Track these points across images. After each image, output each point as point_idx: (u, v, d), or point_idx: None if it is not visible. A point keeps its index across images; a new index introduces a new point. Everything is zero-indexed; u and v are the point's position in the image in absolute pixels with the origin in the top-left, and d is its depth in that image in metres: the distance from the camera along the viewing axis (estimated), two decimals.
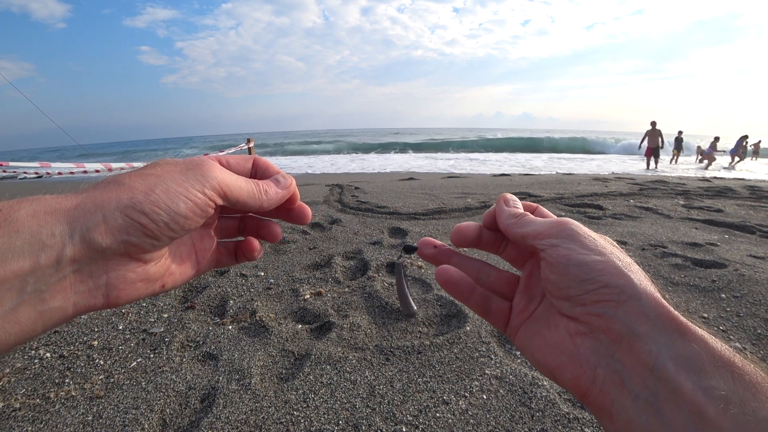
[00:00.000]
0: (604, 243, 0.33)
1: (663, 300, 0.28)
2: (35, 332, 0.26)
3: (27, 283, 0.25)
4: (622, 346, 0.28)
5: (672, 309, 0.28)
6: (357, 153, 22.97)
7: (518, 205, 0.40)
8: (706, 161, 16.23)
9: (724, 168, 14.66)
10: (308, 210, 0.43)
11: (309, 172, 12.57)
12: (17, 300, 0.25)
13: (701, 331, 0.26)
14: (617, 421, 0.27)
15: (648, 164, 13.56)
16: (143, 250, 0.30)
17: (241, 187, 0.35)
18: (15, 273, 0.24)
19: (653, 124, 12.83)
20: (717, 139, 15.63)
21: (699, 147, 16.93)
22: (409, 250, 0.42)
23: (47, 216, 0.26)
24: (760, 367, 0.25)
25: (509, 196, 0.41)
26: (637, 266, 0.32)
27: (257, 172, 0.40)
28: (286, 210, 0.42)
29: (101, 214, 0.27)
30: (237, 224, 0.44)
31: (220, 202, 0.34)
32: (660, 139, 12.79)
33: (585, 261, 0.30)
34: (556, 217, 0.37)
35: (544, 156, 20.10)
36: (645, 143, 13.17)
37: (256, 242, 0.43)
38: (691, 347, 0.25)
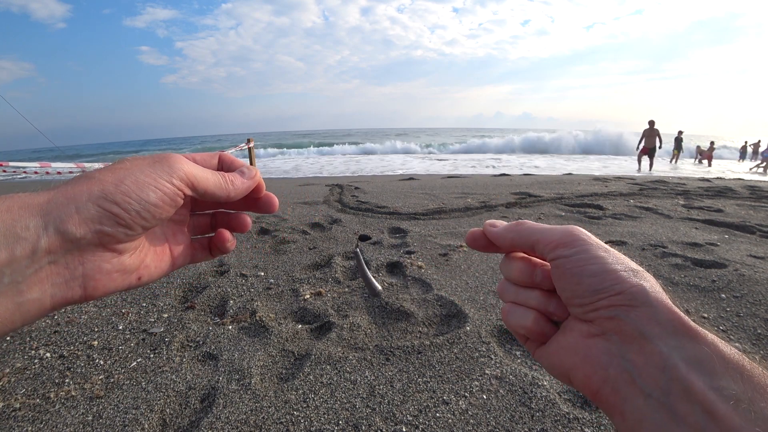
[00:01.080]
0: (614, 251, 0.34)
1: (674, 307, 0.30)
2: (14, 325, 0.27)
3: (4, 274, 0.26)
4: (633, 346, 0.29)
5: (683, 315, 0.29)
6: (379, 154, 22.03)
7: (503, 222, 0.41)
8: (706, 161, 16.28)
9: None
10: (275, 199, 0.44)
11: (311, 174, 12.57)
12: None
13: (711, 336, 0.27)
14: (629, 420, 0.28)
15: (640, 165, 12.59)
16: (117, 239, 0.31)
17: (208, 178, 0.37)
18: None
19: (651, 123, 12.03)
20: None
21: (698, 147, 16.95)
22: (363, 238, 0.43)
23: (21, 210, 0.27)
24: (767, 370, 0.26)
25: (491, 221, 0.41)
26: (649, 274, 0.33)
27: (223, 167, 0.42)
28: (254, 200, 0.44)
29: (74, 205, 0.28)
30: (209, 220, 0.46)
31: (188, 192, 0.35)
32: (658, 139, 11.97)
33: (598, 271, 0.32)
34: (558, 226, 0.37)
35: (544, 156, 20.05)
36: (642, 143, 12.27)
37: (227, 233, 0.45)
38: (702, 350, 0.27)
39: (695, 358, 0.26)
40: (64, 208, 0.28)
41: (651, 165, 12.43)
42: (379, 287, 0.50)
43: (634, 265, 0.33)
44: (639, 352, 0.28)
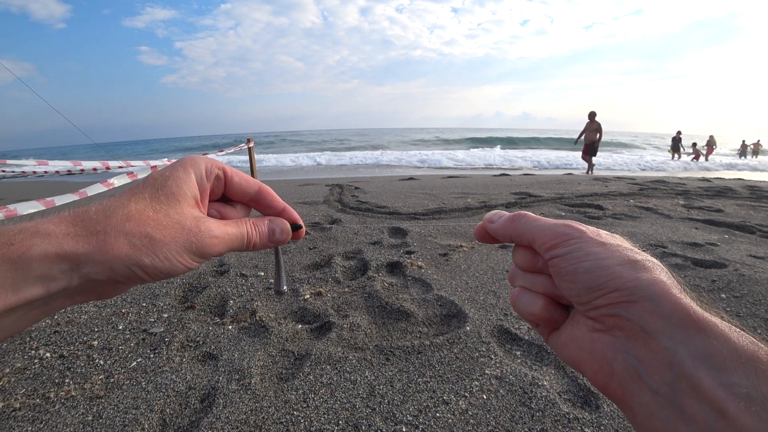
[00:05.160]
0: (613, 242, 0.33)
1: (681, 296, 0.28)
2: (38, 320, 0.33)
3: (38, 299, 0.30)
4: (638, 342, 0.28)
5: (690, 305, 0.27)
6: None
7: (502, 214, 0.40)
8: (696, 159, 16.59)
9: None
10: (298, 236, 0.44)
11: (311, 176, 12.56)
12: (28, 309, 0.30)
13: (722, 326, 0.26)
14: (639, 415, 0.27)
15: (589, 166, 10.26)
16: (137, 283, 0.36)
17: (232, 242, 0.38)
18: (28, 299, 0.29)
19: (592, 115, 9.92)
20: None
21: (695, 144, 17.18)
22: (295, 228, 0.43)
23: (58, 259, 0.30)
24: None
25: (490, 214, 0.41)
26: (654, 261, 0.31)
27: (261, 201, 0.42)
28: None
29: (110, 266, 0.31)
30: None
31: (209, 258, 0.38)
32: (598, 135, 9.88)
33: (592, 268, 0.31)
34: (554, 221, 0.36)
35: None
36: (582, 138, 10.17)
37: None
38: (710, 343, 0.25)
39: (703, 353, 0.25)
40: (100, 266, 0.31)
41: (591, 166, 10.23)
42: (285, 288, 0.48)
43: (633, 255, 0.31)
44: (644, 347, 0.27)
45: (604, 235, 0.34)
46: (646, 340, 0.27)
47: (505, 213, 0.40)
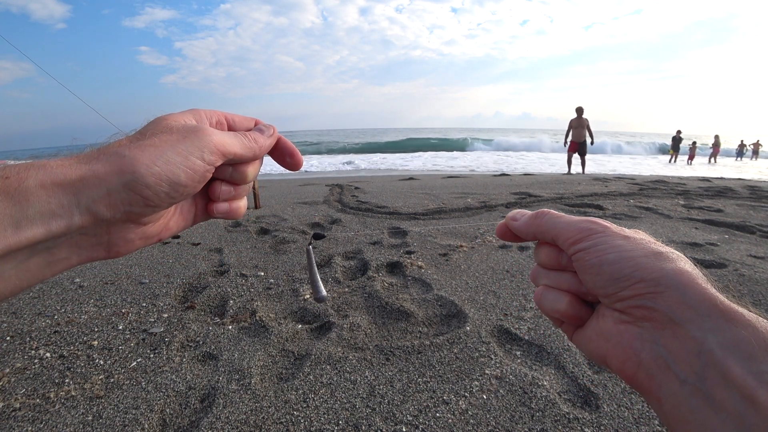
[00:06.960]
0: (637, 236, 0.33)
1: (707, 286, 0.28)
2: (44, 277, 0.31)
3: (40, 244, 0.28)
4: (665, 332, 0.28)
5: (717, 295, 0.27)
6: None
7: (525, 212, 0.41)
8: (691, 160, 16.63)
9: None
10: (298, 154, 0.44)
11: (311, 176, 12.56)
12: (29, 254, 0.29)
13: (750, 316, 0.26)
14: (666, 405, 0.27)
15: (570, 167, 9.63)
16: (144, 216, 0.33)
17: (235, 143, 0.37)
18: (29, 239, 0.27)
19: (579, 111, 9.19)
20: None
21: (694, 143, 17.23)
22: (318, 237, 0.43)
23: (55, 188, 0.28)
24: None
25: (513, 213, 0.41)
26: (678, 254, 0.31)
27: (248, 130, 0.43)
28: (279, 155, 0.44)
29: (105, 188, 0.30)
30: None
31: (219, 163, 0.36)
32: (587, 132, 9.16)
33: (616, 260, 0.31)
34: (577, 218, 0.36)
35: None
36: (570, 138, 9.34)
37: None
38: (739, 332, 0.25)
39: (732, 342, 0.25)
40: (96, 189, 0.29)
41: (583, 165, 9.55)
42: (325, 293, 0.48)
43: (657, 247, 0.31)
44: (672, 337, 0.27)
45: (628, 230, 0.34)
46: (674, 330, 0.27)
47: (528, 211, 0.40)
